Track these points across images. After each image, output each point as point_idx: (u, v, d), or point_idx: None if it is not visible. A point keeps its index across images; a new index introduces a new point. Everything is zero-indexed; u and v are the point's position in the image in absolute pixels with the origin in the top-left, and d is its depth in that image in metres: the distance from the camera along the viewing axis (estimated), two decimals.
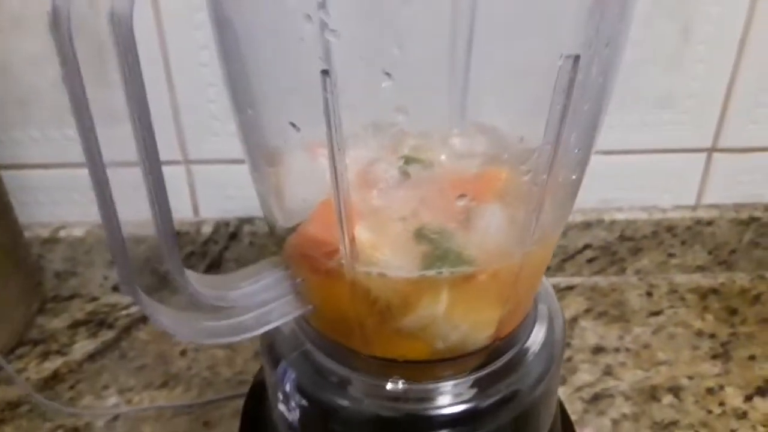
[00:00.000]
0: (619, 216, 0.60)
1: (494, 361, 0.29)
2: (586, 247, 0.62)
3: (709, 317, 0.58)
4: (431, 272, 0.24)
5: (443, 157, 0.29)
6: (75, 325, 0.58)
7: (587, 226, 0.60)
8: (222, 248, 0.60)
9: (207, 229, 0.59)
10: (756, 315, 0.59)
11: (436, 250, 0.24)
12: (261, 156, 0.26)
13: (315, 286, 0.27)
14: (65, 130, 0.55)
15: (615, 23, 0.23)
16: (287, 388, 0.28)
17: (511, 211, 0.24)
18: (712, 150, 0.58)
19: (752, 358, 0.54)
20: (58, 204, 0.59)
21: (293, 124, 0.22)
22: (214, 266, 0.61)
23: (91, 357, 0.55)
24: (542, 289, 0.33)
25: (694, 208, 0.61)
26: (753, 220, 0.60)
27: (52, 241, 0.59)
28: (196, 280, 0.24)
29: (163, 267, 0.22)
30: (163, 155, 0.60)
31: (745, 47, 0.53)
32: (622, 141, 0.57)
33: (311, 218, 0.25)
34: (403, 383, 0.27)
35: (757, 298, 0.61)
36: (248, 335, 0.25)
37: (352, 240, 0.23)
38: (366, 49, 0.21)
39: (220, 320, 0.25)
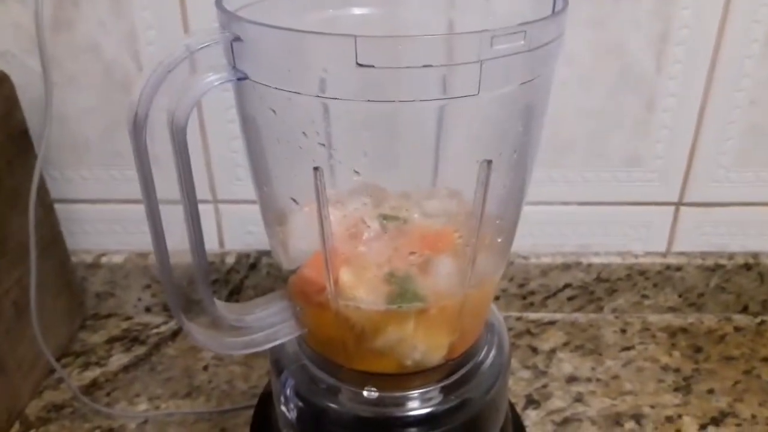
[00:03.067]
0: (596, 260, 0.67)
1: (453, 373, 0.37)
2: (567, 286, 0.68)
3: (676, 354, 0.65)
4: (393, 306, 0.32)
5: (416, 215, 0.37)
6: (112, 341, 0.66)
7: (567, 267, 0.67)
8: (243, 277, 0.68)
9: (230, 260, 0.67)
10: (719, 353, 0.65)
11: (399, 290, 0.32)
12: (272, 218, 0.35)
13: (309, 314, 0.35)
14: (111, 171, 0.64)
15: (523, 137, 0.31)
16: (288, 392, 0.36)
17: (455, 262, 0.32)
18: (679, 204, 0.65)
19: (711, 391, 0.60)
20: (101, 234, 0.67)
21: (294, 200, 0.30)
22: (235, 292, 0.69)
23: (125, 369, 0.63)
24: (494, 319, 0.41)
25: (664, 254, 0.67)
26: (718, 267, 0.67)
27: (94, 266, 0.67)
28: (221, 306, 0.32)
29: (197, 296, 0.30)
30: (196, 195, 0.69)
31: (704, 116, 0.60)
32: (597, 194, 0.64)
33: (307, 264, 0.33)
34: (375, 391, 0.35)
35: (721, 338, 0.67)
36: (259, 349, 0.34)
37: (336, 281, 0.31)
38: (345, 155, 0.30)
39: (239, 337, 0.33)
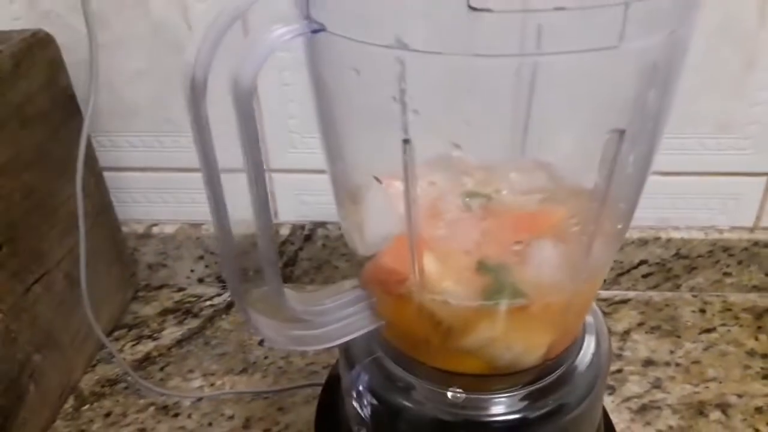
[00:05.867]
0: (676, 235, 0.62)
1: (545, 377, 0.33)
2: (642, 262, 0.64)
3: (763, 337, 0.60)
4: (489, 303, 0.28)
5: (504, 192, 0.32)
6: (164, 313, 0.64)
7: (644, 242, 0.62)
8: (297, 249, 0.65)
9: (285, 231, 0.64)
10: None
11: (495, 283, 0.27)
12: (346, 196, 0.31)
13: (387, 306, 0.31)
14: (160, 138, 0.61)
15: (659, 101, 0.26)
16: (360, 388, 0.33)
17: (563, 250, 0.28)
18: None
19: None
20: (152, 203, 0.65)
21: (377, 178, 0.26)
22: (290, 264, 0.66)
23: (179, 343, 0.61)
24: (591, 312, 0.36)
25: (752, 230, 0.62)
26: None
27: (146, 236, 0.65)
28: (291, 297, 0.28)
29: (265, 287, 0.27)
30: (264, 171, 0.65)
31: None
32: (681, 163, 0.59)
33: (387, 251, 0.29)
34: (461, 393, 0.31)
35: None
36: (330, 344, 0.30)
37: (422, 272, 0.27)
38: (439, 123, 0.25)
39: (308, 330, 0.30)
